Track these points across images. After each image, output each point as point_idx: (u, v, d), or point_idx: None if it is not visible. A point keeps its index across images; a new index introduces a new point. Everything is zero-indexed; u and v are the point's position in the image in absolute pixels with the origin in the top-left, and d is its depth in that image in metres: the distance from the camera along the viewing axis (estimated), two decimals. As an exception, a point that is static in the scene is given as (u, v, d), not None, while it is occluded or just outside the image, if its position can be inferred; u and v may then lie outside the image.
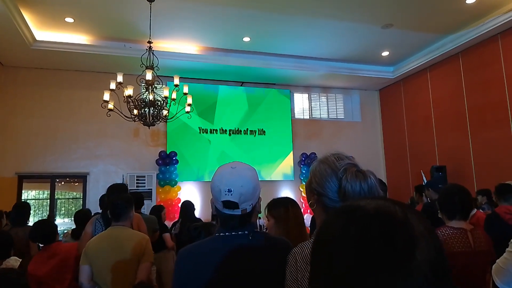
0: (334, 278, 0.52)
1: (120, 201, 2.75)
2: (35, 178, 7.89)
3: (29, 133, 7.50)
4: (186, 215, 5.00)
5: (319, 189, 1.20)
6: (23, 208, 4.32)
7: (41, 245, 3.20)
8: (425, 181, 7.56)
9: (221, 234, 1.35)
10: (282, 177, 8.92)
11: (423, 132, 8.65)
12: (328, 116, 9.82)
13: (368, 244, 0.51)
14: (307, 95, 9.72)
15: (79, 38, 6.94)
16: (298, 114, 9.56)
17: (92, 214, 4.32)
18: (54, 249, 3.04)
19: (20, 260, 2.99)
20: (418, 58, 8.35)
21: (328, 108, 9.85)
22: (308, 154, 9.06)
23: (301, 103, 9.67)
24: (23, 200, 7.62)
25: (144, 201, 4.68)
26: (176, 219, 5.48)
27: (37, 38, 6.66)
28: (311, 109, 9.72)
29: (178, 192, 7.95)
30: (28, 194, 11.81)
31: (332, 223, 0.57)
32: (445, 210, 2.33)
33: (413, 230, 0.52)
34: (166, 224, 5.19)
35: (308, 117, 9.67)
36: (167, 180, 7.88)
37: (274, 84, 9.22)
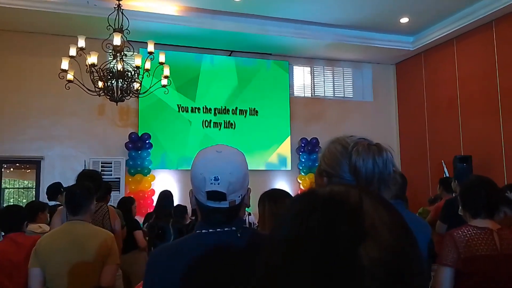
0: (265, 276, 0.52)
1: (79, 190, 2.75)
2: (-23, 163, 7.82)
3: (-31, 108, 7.39)
4: (162, 208, 5.03)
5: (329, 170, 1.24)
6: None
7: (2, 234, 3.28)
8: (447, 173, 7.67)
9: (203, 231, 1.32)
10: (277, 167, 8.97)
11: (446, 115, 8.72)
12: (334, 94, 9.84)
13: (303, 238, 0.50)
14: (309, 68, 9.71)
15: (31, -9, 6.80)
16: (297, 91, 9.56)
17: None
18: (15, 239, 3.07)
19: None
20: (443, 26, 8.36)
21: (334, 84, 9.86)
22: (309, 140, 9.11)
23: (301, 78, 9.67)
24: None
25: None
26: (150, 212, 5.51)
27: (-21, -9, 6.52)
28: (314, 85, 9.73)
29: (151, 182, 7.97)
30: (-31, 182, 11.66)
31: (291, 207, 0.57)
32: (468, 207, 2.38)
33: (363, 221, 0.50)
34: (137, 219, 5.22)
35: (309, 95, 9.67)
36: (138, 168, 7.88)
37: (270, 54, 9.19)
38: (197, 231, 1.34)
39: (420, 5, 7.57)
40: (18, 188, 11.73)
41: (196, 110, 8.60)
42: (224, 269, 1.26)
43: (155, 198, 7.05)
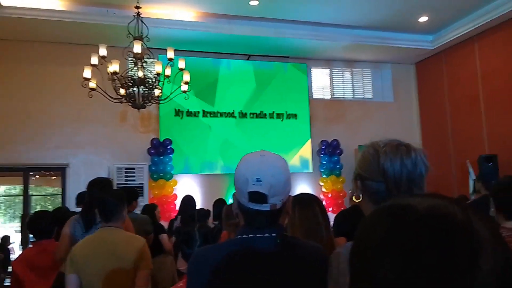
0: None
1: (111, 198, 2.81)
2: (5, 171, 8.01)
3: (-5, 117, 7.57)
4: (186, 212, 5.07)
5: (361, 173, 1.24)
6: None
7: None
8: (472, 173, 7.52)
9: (244, 236, 1.36)
10: (298, 169, 8.94)
11: (469, 114, 8.58)
12: (353, 95, 9.78)
13: (419, 253, 0.51)
14: (327, 70, 9.67)
15: (53, 3, 6.95)
16: (317, 94, 9.53)
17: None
18: (45, 247, 3.14)
19: None
20: (464, 24, 8.23)
21: (353, 86, 9.80)
22: (329, 142, 9.06)
23: (320, 80, 9.63)
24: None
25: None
26: (173, 218, 5.57)
27: (2, 3, 6.69)
28: (333, 87, 9.68)
29: (174, 187, 8.03)
30: (-3, 190, 11.99)
31: (374, 225, 0.58)
32: (503, 208, 2.32)
33: (477, 235, 0.51)
34: (162, 224, 5.27)
35: (329, 97, 9.63)
36: (160, 173, 7.95)
37: (288, 57, 9.18)
38: (238, 236, 1.38)
39: (439, 3, 7.47)
40: (45, 195, 11.99)
41: (216, 114, 8.64)
42: (263, 276, 1.28)
43: (178, 202, 7.11)
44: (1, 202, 12.14)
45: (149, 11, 6.98)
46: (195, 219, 4.76)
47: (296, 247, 1.39)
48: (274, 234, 1.34)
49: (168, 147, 8.04)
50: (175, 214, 6.35)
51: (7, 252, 7.26)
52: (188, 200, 5.33)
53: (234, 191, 1.40)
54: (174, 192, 7.98)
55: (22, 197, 8.18)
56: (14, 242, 7.51)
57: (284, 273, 1.30)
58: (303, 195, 2.41)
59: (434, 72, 9.51)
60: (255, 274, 1.28)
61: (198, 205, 5.76)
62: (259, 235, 1.34)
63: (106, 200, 2.79)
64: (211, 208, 5.45)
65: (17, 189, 11.12)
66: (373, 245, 0.55)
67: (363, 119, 9.51)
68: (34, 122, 7.74)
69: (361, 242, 0.58)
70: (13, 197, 12.26)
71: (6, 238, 7.65)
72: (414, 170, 1.17)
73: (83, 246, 2.71)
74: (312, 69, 9.52)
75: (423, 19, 8.12)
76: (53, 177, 9.74)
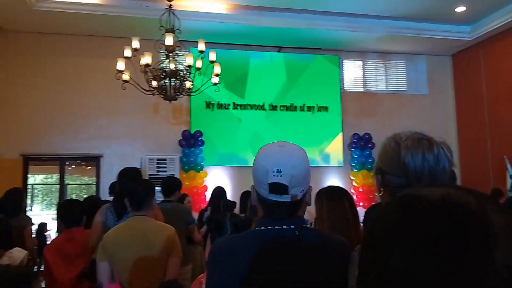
0: (384, 281, 0.52)
1: (141, 187, 2.86)
2: (42, 160, 8.30)
3: (33, 108, 7.84)
4: (216, 203, 5.13)
5: (382, 167, 1.22)
6: (15, 196, 4.59)
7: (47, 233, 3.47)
8: (510, 170, 7.28)
9: (262, 228, 1.35)
10: (328, 163, 8.87)
11: (508, 108, 8.30)
12: (387, 88, 9.61)
13: (428, 242, 0.50)
14: (360, 62, 9.53)
15: (89, -4, 7.10)
16: (348, 86, 9.41)
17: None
18: (73, 234, 3.22)
19: (26, 252, 3.20)
20: (504, 14, 7.93)
21: (386, 78, 9.64)
22: (361, 135, 8.94)
23: (352, 72, 9.51)
24: (29, 185, 8.07)
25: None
26: (203, 208, 5.64)
27: (41, -3, 6.88)
28: (365, 79, 9.55)
29: (204, 179, 8.12)
30: (35, 179, 12.47)
31: (385, 215, 0.57)
32: None
33: (492, 227, 0.50)
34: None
35: (361, 90, 9.50)
36: (191, 165, 8.06)
37: (319, 49, 9.09)
38: (257, 228, 1.37)
39: (479, -8, 7.21)
40: (80, 184, 12.36)
41: (246, 107, 8.66)
42: (281, 267, 1.27)
43: (208, 194, 7.19)
44: (38, 191, 12.60)
45: (180, 3, 7.03)
46: (221, 210, 4.80)
47: (316, 239, 1.36)
48: (292, 226, 1.32)
49: (199, 139, 8.12)
50: (205, 205, 6.43)
51: (44, 239, 7.52)
52: (219, 192, 5.39)
53: (253, 183, 1.38)
54: (204, 184, 8.07)
55: (58, 186, 8.47)
56: (50, 229, 7.78)
57: (303, 265, 1.28)
58: (332, 188, 2.39)
59: (472, 64, 9.24)
60: (274, 266, 1.27)
61: (228, 196, 5.81)
62: (277, 226, 1.32)
63: (135, 189, 2.85)
64: (237, 199, 5.49)
65: (54, 178, 11.52)
66: (383, 235, 0.55)
67: (396, 112, 9.35)
68: (70, 113, 7.97)
69: (371, 233, 0.58)
70: (50, 185, 12.70)
71: (43, 225, 7.93)
72: (437, 165, 1.14)
73: (114, 234, 2.77)
74: (344, 61, 9.40)
75: (460, 9, 7.87)
76: (88, 167, 10.03)
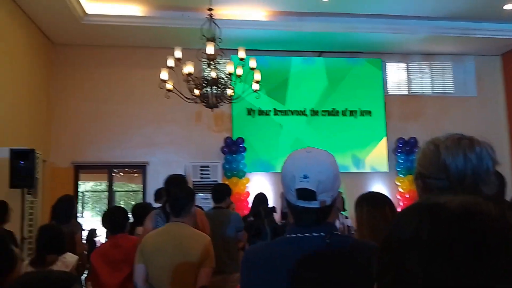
0: (400, 283, 0.53)
1: (181, 194, 2.92)
2: (92, 168, 8.64)
3: (83, 118, 8.20)
4: (258, 209, 5.15)
5: (422, 171, 1.19)
6: (67, 202, 4.79)
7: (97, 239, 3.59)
8: None
9: (292, 235, 1.34)
10: (372, 169, 8.71)
11: None
12: (433, 90, 9.36)
13: (446, 247, 0.50)
14: (404, 64, 9.33)
15: (133, 9, 7.36)
16: (392, 89, 9.23)
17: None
18: (117, 240, 3.33)
19: (77, 257, 3.33)
20: (559, 9, 7.54)
21: (432, 80, 9.40)
22: (406, 140, 8.73)
23: (396, 75, 9.33)
24: (80, 192, 8.41)
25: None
26: (245, 215, 5.68)
27: (88, 12, 7.20)
28: (410, 82, 9.34)
29: (246, 185, 8.18)
30: (86, 186, 12.98)
31: (404, 221, 0.58)
32: None
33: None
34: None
35: (405, 93, 9.29)
36: (234, 171, 8.14)
37: (361, 52, 8.97)
38: (287, 235, 1.35)
39: (530, -12, 6.90)
40: (127, 191, 12.74)
41: (287, 113, 8.66)
42: (311, 276, 1.26)
43: (250, 200, 7.23)
44: (88, 197, 13.09)
45: (221, 12, 7.14)
46: (262, 216, 4.81)
47: (348, 247, 1.33)
48: (323, 234, 1.30)
49: (241, 145, 8.20)
50: (247, 212, 6.47)
51: (94, 244, 7.79)
52: (261, 198, 5.41)
53: (282, 191, 1.38)
54: (246, 190, 8.13)
55: (107, 193, 8.78)
56: (100, 235, 8.05)
57: (333, 275, 1.25)
58: (372, 194, 2.34)
59: (524, 63, 8.82)
60: (303, 275, 1.25)
61: (269, 203, 5.82)
62: (307, 234, 1.31)
63: (176, 196, 2.92)
64: (277, 205, 5.48)
65: (103, 185, 11.93)
66: (402, 239, 0.55)
67: (443, 115, 9.07)
68: (117, 123, 8.28)
69: (390, 237, 0.59)
70: (99, 192, 13.16)
71: (93, 231, 8.21)
72: (480, 165, 1.10)
73: (152, 238, 2.85)
74: (387, 64, 9.24)
75: (509, 6, 7.56)
76: (135, 175, 10.33)
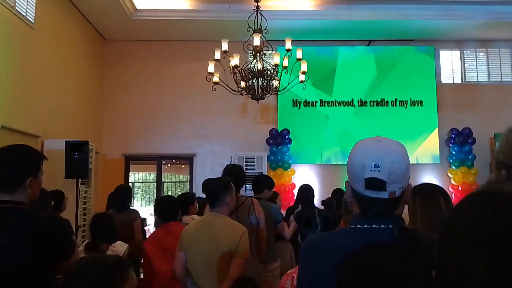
0: (461, 281, 0.51)
1: (215, 185, 3.00)
2: (141, 160, 8.95)
3: (133, 111, 8.50)
4: (306, 200, 5.16)
5: (507, 161, 1.13)
6: (123, 192, 5.01)
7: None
8: None
9: (358, 226, 1.30)
10: (424, 160, 8.47)
11: None
12: (489, 78, 8.96)
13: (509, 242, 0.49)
14: (458, 52, 8.98)
15: (181, 3, 7.49)
16: (445, 78, 8.91)
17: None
18: (170, 228, 3.45)
19: (127, 245, 3.47)
20: None
21: (488, 68, 8.99)
22: (460, 130, 8.40)
23: (450, 63, 9.00)
24: (130, 183, 8.72)
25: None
26: (291, 205, 5.68)
27: (137, 7, 7.41)
28: (464, 70, 8.98)
29: (292, 176, 8.18)
30: (135, 177, 13.45)
31: (465, 212, 0.55)
32: None
33: None
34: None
35: (459, 81, 8.94)
36: (279, 163, 8.16)
37: (412, 40, 8.71)
38: (352, 226, 1.32)
39: None
40: (175, 182, 13.07)
41: (333, 104, 8.56)
42: (376, 269, 1.23)
43: (295, 191, 7.22)
44: (138, 188, 13.54)
45: (267, 3, 7.14)
46: (334, 206, 4.77)
47: (416, 241, 1.28)
48: (391, 226, 1.26)
49: (286, 137, 8.20)
50: (293, 203, 6.47)
51: (144, 233, 8.07)
52: (306, 189, 5.39)
53: (347, 179, 1.34)
54: (292, 181, 8.13)
55: (155, 183, 9.07)
56: (150, 224, 8.32)
57: (403, 268, 1.21)
58: (425, 185, 2.26)
59: None
60: (372, 268, 1.22)
61: (315, 195, 5.79)
62: (374, 226, 1.27)
63: (210, 187, 2.99)
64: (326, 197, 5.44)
65: (152, 176, 12.32)
66: (463, 233, 0.53)
67: (500, 105, 8.65)
68: (166, 115, 8.51)
69: (450, 231, 0.56)
70: (148, 183, 13.60)
71: (143, 220, 8.49)
72: None
73: (192, 227, 2.96)
74: (440, 52, 8.92)
75: None
76: (182, 166, 10.58)
